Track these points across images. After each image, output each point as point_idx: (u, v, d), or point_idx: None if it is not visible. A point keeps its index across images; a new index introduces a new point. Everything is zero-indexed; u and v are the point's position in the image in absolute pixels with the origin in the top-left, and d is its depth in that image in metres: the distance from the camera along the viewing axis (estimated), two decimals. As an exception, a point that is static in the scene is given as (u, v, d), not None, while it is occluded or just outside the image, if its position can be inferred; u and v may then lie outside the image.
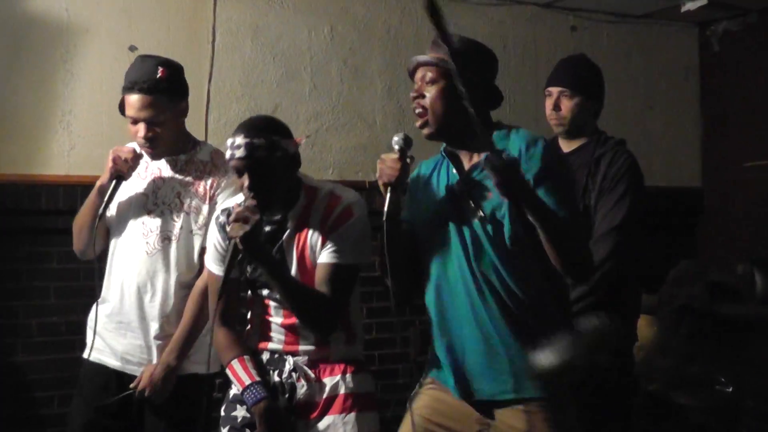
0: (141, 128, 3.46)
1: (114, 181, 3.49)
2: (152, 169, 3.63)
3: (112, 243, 3.63)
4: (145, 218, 3.56)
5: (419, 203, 3.10)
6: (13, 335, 4.91)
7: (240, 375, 3.20)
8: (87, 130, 5.12)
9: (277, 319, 3.26)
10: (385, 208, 2.90)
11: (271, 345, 3.29)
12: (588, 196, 3.77)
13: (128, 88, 3.45)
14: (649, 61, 6.98)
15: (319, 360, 3.26)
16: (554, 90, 3.92)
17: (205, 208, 3.55)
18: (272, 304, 3.26)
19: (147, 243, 3.53)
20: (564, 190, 2.89)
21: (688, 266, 5.97)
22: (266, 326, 3.29)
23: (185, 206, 3.55)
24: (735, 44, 6.94)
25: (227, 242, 3.12)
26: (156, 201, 3.57)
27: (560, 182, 2.88)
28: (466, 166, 3.01)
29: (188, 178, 3.58)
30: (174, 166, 3.61)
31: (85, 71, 5.16)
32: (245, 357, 3.23)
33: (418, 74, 3.01)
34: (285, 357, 3.26)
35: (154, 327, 3.53)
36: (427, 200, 3.08)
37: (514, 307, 2.90)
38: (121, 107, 3.54)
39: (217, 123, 5.51)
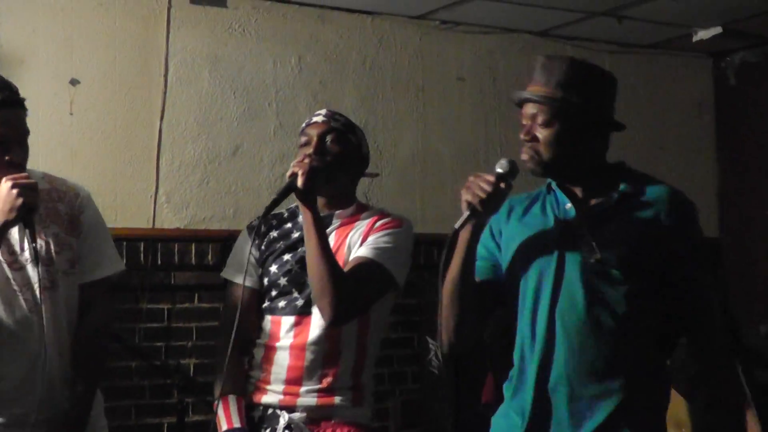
0: (14, 150, 3.19)
1: (22, 221, 3.17)
2: None
3: None
4: (10, 273, 3.26)
5: (510, 240, 3.00)
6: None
7: (220, 418, 3.32)
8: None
9: (285, 342, 3.33)
10: (457, 225, 2.80)
11: (265, 398, 3.35)
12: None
13: None
14: (657, 96, 7.04)
15: (321, 418, 3.31)
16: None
17: (75, 242, 3.37)
18: (284, 323, 3.35)
19: (26, 300, 3.24)
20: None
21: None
22: (268, 361, 3.36)
23: (53, 245, 3.32)
24: (753, 77, 7.01)
25: (261, 245, 3.44)
26: (12, 249, 3.26)
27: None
28: (587, 203, 2.94)
29: (39, 213, 3.26)
30: None
31: (20, 107, 5.15)
32: (230, 396, 3.34)
33: (527, 110, 2.91)
34: (279, 413, 3.32)
35: (56, 393, 3.29)
36: (521, 237, 2.97)
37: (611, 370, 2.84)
38: None
39: (170, 166, 5.51)
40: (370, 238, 3.33)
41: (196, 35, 5.63)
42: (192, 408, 4.99)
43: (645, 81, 6.98)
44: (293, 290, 3.36)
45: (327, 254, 3.19)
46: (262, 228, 3.48)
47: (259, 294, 3.44)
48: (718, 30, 6.43)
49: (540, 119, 2.86)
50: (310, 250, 3.20)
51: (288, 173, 3.21)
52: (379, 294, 3.32)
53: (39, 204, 3.19)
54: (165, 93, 5.53)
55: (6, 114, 3.19)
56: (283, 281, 3.38)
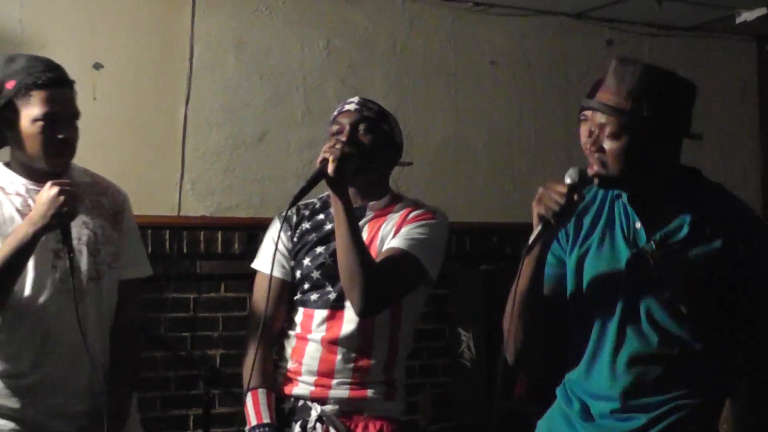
0: (64, 128, 3.33)
1: (59, 228, 3.23)
2: (33, 201, 3.32)
3: (16, 306, 3.33)
4: (56, 261, 3.35)
5: (573, 251, 2.97)
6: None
7: (249, 412, 3.38)
8: (43, 160, 5.13)
9: (317, 335, 3.37)
10: (531, 240, 2.78)
11: (296, 390, 3.40)
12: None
13: (46, 83, 3.28)
14: (698, 81, 6.86)
15: (353, 411, 3.36)
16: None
17: (116, 236, 3.50)
18: (317, 316, 3.39)
19: (69, 289, 3.26)
20: None
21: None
22: (299, 353, 3.40)
23: (100, 236, 3.45)
24: (799, 60, 6.99)
25: (293, 237, 3.49)
26: (59, 238, 3.29)
27: None
28: (657, 219, 2.87)
29: (86, 205, 3.41)
30: None
31: (42, 92, 5.20)
32: (260, 390, 3.41)
33: (595, 118, 2.84)
34: (311, 405, 3.36)
35: (98, 383, 3.37)
36: (593, 264, 2.93)
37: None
38: (7, 112, 3.32)
39: (195, 153, 5.56)
40: (404, 229, 3.37)
41: (221, 18, 5.65)
42: (218, 400, 5.03)
43: (685, 65, 6.92)
44: (326, 284, 3.40)
45: (358, 243, 3.22)
46: (294, 219, 3.53)
47: (290, 285, 3.48)
48: (762, 11, 6.39)
49: (608, 130, 2.78)
50: (341, 238, 3.23)
51: (318, 159, 3.24)
52: (411, 286, 3.35)
53: (78, 213, 3.26)
54: (190, 78, 5.56)
55: (56, 92, 3.31)
56: (316, 274, 3.42)
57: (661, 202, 2.86)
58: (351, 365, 3.36)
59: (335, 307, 3.37)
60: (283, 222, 3.48)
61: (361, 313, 3.27)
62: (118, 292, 3.52)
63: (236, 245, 5.54)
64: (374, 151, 3.38)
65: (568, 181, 2.78)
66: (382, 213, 3.46)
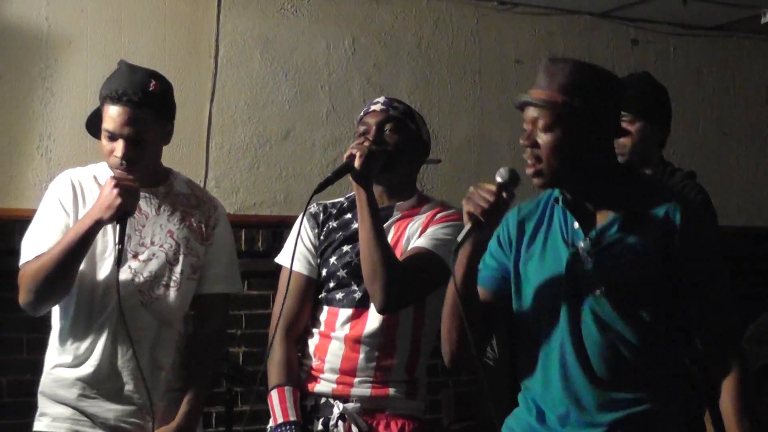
0: (120, 146, 3.37)
1: (119, 221, 3.34)
2: None
3: (76, 297, 3.48)
4: (131, 263, 3.48)
5: (517, 259, 2.99)
6: (-22, 395, 4.94)
7: (275, 409, 3.35)
8: (68, 157, 5.13)
9: (340, 333, 3.37)
10: (460, 237, 2.79)
11: (318, 387, 3.39)
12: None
13: (113, 98, 3.37)
14: (723, 80, 6.97)
15: (375, 410, 3.35)
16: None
17: (202, 250, 3.56)
18: (342, 314, 3.39)
19: (140, 292, 3.46)
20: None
21: (770, 320, 5.92)
22: (322, 350, 3.40)
23: (182, 247, 3.53)
24: (825, 60, 6.94)
25: (320, 235, 3.49)
26: (142, 242, 3.49)
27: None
28: (594, 218, 2.89)
29: (177, 214, 3.55)
30: (154, 200, 3.55)
31: (67, 89, 5.20)
32: (286, 388, 3.38)
33: (528, 114, 2.85)
34: (333, 402, 3.35)
35: (157, 387, 3.50)
36: (529, 258, 2.96)
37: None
38: (92, 122, 3.48)
39: (220, 150, 5.54)
40: (430, 230, 3.35)
41: (247, 16, 5.64)
42: (240, 397, 5.01)
43: (710, 65, 6.91)
44: (352, 282, 3.39)
45: (380, 239, 3.21)
46: (321, 216, 3.53)
47: (315, 283, 3.47)
48: (788, 11, 6.37)
49: (541, 124, 2.80)
50: (363, 233, 3.23)
51: (345, 154, 3.24)
52: (435, 285, 3.29)
53: (135, 208, 3.36)
54: (215, 75, 5.56)
55: (116, 110, 3.36)
56: (342, 273, 3.41)
57: (596, 200, 2.87)
58: (373, 363, 3.35)
59: (360, 306, 3.36)
60: (303, 215, 3.49)
61: (382, 309, 3.26)
62: (198, 306, 3.60)
63: (260, 243, 5.53)
64: (401, 150, 3.37)
65: (498, 180, 2.80)
66: (410, 213, 3.44)
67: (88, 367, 3.46)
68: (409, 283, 3.24)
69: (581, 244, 2.84)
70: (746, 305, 6.39)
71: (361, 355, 3.34)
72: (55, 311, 3.52)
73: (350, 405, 3.33)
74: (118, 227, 3.33)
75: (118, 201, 3.26)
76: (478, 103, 6.21)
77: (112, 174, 3.39)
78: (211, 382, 3.67)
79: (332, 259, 3.43)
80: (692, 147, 6.62)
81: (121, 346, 3.46)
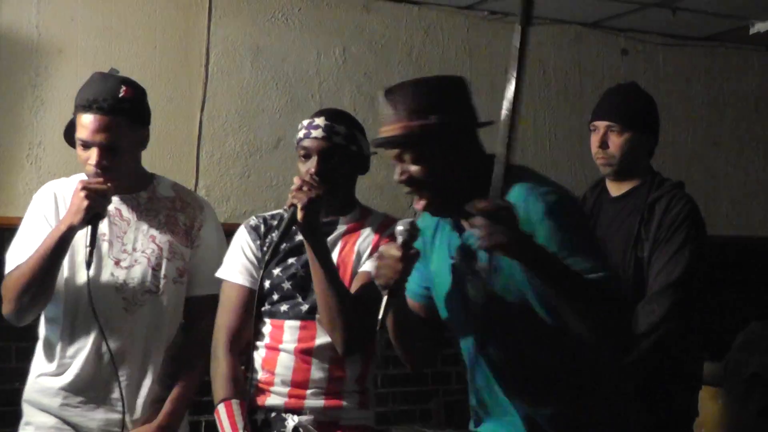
0: (94, 154, 3.36)
1: (90, 224, 3.33)
2: (107, 210, 3.46)
3: (62, 305, 3.47)
4: (114, 270, 3.47)
5: (429, 271, 3.00)
6: (-32, 404, 4.90)
7: (224, 424, 3.29)
8: (58, 165, 5.11)
9: (289, 346, 3.32)
10: (380, 315, 2.74)
11: (269, 400, 3.35)
12: (640, 247, 3.76)
13: (83, 107, 3.36)
14: (712, 90, 6.97)
15: (328, 421, 3.32)
16: (601, 124, 3.91)
17: (188, 253, 3.55)
18: (288, 327, 3.34)
19: (124, 299, 3.46)
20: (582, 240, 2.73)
21: (759, 329, 5.91)
22: (271, 363, 3.35)
23: (165, 251, 3.52)
24: (813, 71, 6.94)
25: (263, 246, 3.40)
26: (124, 248, 3.49)
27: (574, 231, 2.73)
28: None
29: (159, 218, 3.55)
30: (136, 205, 3.55)
31: (57, 98, 5.17)
32: (233, 401, 3.33)
33: (391, 153, 2.80)
34: (286, 416, 3.31)
35: (142, 394, 3.50)
36: (431, 268, 2.99)
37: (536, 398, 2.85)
38: (68, 132, 3.47)
39: (210, 158, 5.52)
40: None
41: (238, 24, 5.63)
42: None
43: (699, 75, 6.92)
44: (297, 295, 3.35)
45: (335, 286, 3.19)
46: (263, 228, 3.48)
47: (256, 295, 3.38)
48: (776, 22, 6.37)
49: (408, 157, 2.74)
50: (317, 282, 3.21)
51: (287, 203, 3.21)
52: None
53: (106, 210, 3.36)
54: (206, 84, 5.54)
55: (90, 118, 3.36)
56: (287, 285, 3.36)
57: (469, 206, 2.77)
58: (326, 375, 3.32)
59: (307, 318, 3.32)
60: (254, 232, 3.47)
61: (345, 354, 3.25)
62: (187, 308, 3.59)
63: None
64: (344, 179, 3.36)
65: (399, 239, 2.74)
66: (354, 227, 3.41)
67: (70, 376, 3.46)
68: (367, 325, 3.12)
69: (455, 255, 2.85)
70: (735, 314, 6.43)
71: (313, 367, 3.31)
72: (42, 319, 3.53)
73: (304, 417, 3.30)
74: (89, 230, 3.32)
75: (86, 203, 3.26)
76: (468, 113, 6.19)
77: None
78: (199, 383, 3.61)
79: (276, 271, 3.38)
80: (681, 157, 6.61)
81: (105, 354, 3.44)
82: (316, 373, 3.30)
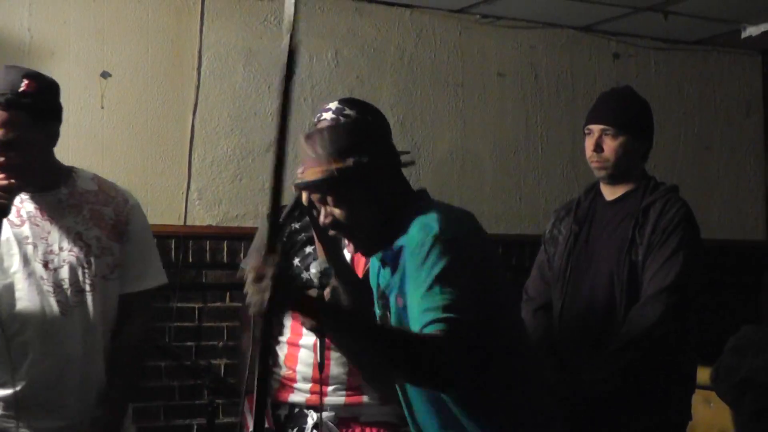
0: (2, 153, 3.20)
1: None
2: (27, 211, 3.35)
3: None
4: (43, 273, 3.32)
5: None
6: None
7: (247, 416, 3.33)
8: (51, 168, 5.09)
9: (308, 340, 3.33)
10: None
11: (292, 397, 3.40)
12: (635, 251, 3.77)
13: None
14: (704, 94, 6.98)
15: (349, 417, 3.35)
16: (595, 128, 3.91)
17: (117, 248, 3.43)
18: None
19: (58, 302, 3.31)
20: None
21: (751, 332, 5.91)
22: (292, 360, 3.39)
23: (93, 248, 3.39)
24: (805, 75, 6.95)
25: (284, 237, 3.41)
26: (50, 249, 3.32)
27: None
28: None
29: (83, 214, 3.39)
30: (56, 203, 3.37)
31: (50, 100, 5.16)
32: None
33: (315, 197, 2.82)
34: (307, 412, 3.35)
35: (89, 399, 3.37)
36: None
37: None
38: None
39: (203, 162, 5.51)
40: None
41: (230, 28, 5.62)
42: (222, 410, 4.99)
43: (691, 79, 6.92)
44: (313, 284, 3.32)
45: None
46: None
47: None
48: (767, 26, 6.36)
49: (332, 200, 2.73)
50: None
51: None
52: None
53: (9, 204, 3.18)
54: (198, 87, 5.53)
55: (2, 116, 3.18)
56: (306, 275, 3.36)
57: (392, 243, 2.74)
58: (345, 370, 3.34)
59: None
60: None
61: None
62: (119, 306, 3.46)
63: (242, 255, 5.49)
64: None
65: (315, 281, 2.77)
66: None
67: (14, 386, 3.30)
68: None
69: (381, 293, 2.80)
70: (727, 318, 6.43)
71: (332, 362, 3.33)
72: None
73: (325, 414, 3.32)
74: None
75: None
76: (460, 116, 6.20)
77: None
78: (136, 380, 3.54)
79: (295, 261, 3.40)
80: (674, 161, 6.62)
81: (44, 361, 3.31)
82: (335, 368, 3.33)
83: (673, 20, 6.29)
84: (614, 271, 3.76)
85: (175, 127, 5.46)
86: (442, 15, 6.16)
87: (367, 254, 2.82)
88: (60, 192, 3.39)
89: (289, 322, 3.38)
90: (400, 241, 2.67)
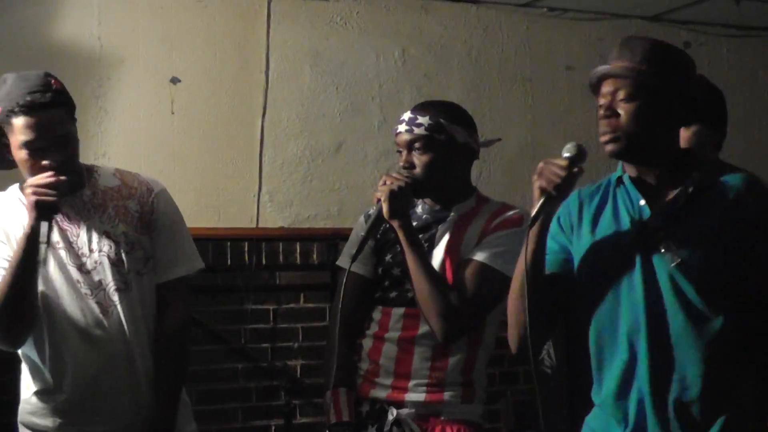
0: (50, 153, 3.16)
1: (44, 221, 3.13)
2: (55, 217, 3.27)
3: (46, 322, 3.28)
4: (79, 276, 3.31)
5: (580, 239, 2.96)
6: None
7: (330, 409, 3.35)
8: (123, 175, 5.16)
9: (393, 334, 3.35)
10: (533, 212, 2.80)
11: (374, 392, 3.38)
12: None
13: (24, 109, 3.14)
14: (777, 80, 6.91)
15: (429, 414, 3.33)
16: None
17: (146, 240, 3.40)
18: (394, 314, 3.38)
19: (98, 304, 3.30)
20: None
21: None
22: (376, 353, 3.39)
23: (123, 244, 3.35)
24: None
25: (377, 234, 3.43)
26: (81, 252, 3.31)
27: None
28: (660, 197, 2.86)
29: (108, 212, 3.36)
30: (81, 204, 3.35)
31: (121, 108, 5.24)
32: (341, 389, 3.38)
33: (606, 88, 2.89)
34: (388, 408, 3.34)
35: (138, 400, 3.35)
36: (594, 236, 2.93)
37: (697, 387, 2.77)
38: (2, 137, 3.24)
39: (273, 164, 5.56)
40: (486, 240, 3.32)
41: (296, 30, 5.65)
42: (299, 410, 5.02)
43: (765, 66, 6.84)
44: (406, 281, 3.35)
45: (426, 271, 3.23)
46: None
47: (371, 283, 3.45)
48: (842, 10, 6.29)
49: (622, 94, 2.83)
50: (411, 269, 3.25)
51: (374, 198, 3.26)
52: (497, 301, 3.25)
53: (58, 202, 3.15)
54: (266, 89, 5.57)
55: (37, 117, 3.16)
56: (396, 271, 3.39)
57: (662, 178, 2.86)
58: (428, 365, 3.33)
59: (412, 305, 3.32)
60: (369, 220, 3.43)
61: (444, 340, 3.26)
62: (157, 298, 3.43)
63: (315, 256, 5.53)
64: (433, 168, 3.35)
65: (566, 155, 2.86)
66: (468, 215, 3.42)
67: (62, 392, 3.31)
68: (467, 310, 3.23)
69: (650, 221, 2.81)
70: None
71: (415, 357, 3.33)
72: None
73: (405, 411, 3.32)
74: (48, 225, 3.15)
75: (33, 198, 3.10)
76: (529, 110, 6.19)
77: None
78: (183, 368, 3.49)
79: (387, 257, 3.42)
80: (748, 149, 6.54)
81: (91, 365, 3.30)
82: (418, 362, 3.32)
83: (745, 6, 6.20)
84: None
85: (245, 130, 5.51)
86: (508, 9, 6.15)
87: (619, 153, 2.90)
88: (84, 194, 3.36)
89: (377, 317, 3.40)
90: (723, 189, 2.79)
